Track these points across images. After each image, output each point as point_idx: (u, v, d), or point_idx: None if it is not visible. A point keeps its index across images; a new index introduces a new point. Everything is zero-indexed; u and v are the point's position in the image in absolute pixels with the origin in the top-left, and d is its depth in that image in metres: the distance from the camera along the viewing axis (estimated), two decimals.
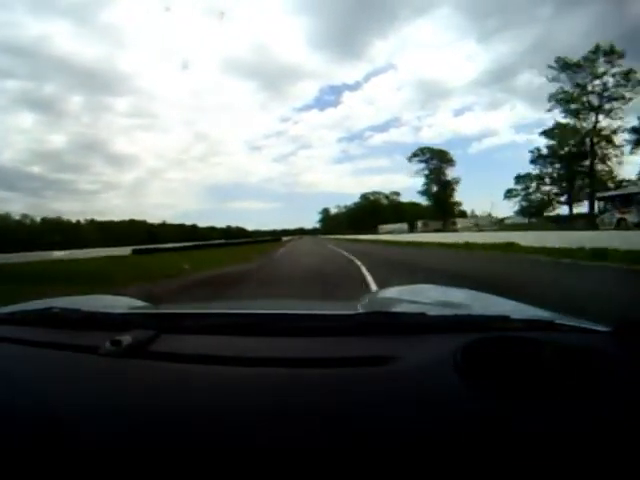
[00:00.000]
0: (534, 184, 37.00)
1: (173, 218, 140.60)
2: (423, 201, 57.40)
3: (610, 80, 29.69)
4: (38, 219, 63.53)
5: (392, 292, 1.22)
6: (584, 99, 31.14)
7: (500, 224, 39.83)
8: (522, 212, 39.29)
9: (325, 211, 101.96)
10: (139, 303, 1.20)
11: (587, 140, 31.80)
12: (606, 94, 30.15)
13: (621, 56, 29.01)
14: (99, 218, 77.24)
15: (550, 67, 31.49)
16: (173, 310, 0.94)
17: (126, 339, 0.60)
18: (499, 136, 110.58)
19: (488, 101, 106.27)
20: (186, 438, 0.42)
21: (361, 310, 0.78)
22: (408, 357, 0.55)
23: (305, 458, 0.39)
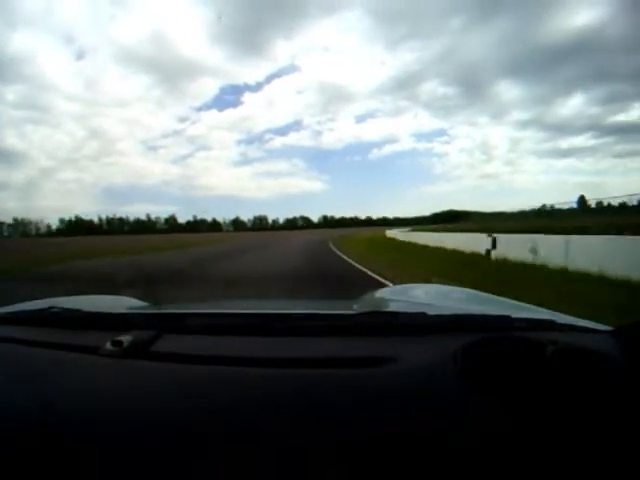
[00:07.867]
0: None
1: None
2: None
3: None
4: None
5: (392, 291, 1.22)
6: None
7: None
8: None
9: None
10: (140, 303, 1.20)
11: None
12: None
13: None
14: None
15: None
16: (174, 310, 0.94)
17: (127, 339, 0.60)
18: (400, 143, 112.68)
19: (391, 108, 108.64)
20: (187, 438, 0.42)
21: (361, 310, 0.78)
22: (408, 357, 0.55)
23: (306, 457, 0.39)
